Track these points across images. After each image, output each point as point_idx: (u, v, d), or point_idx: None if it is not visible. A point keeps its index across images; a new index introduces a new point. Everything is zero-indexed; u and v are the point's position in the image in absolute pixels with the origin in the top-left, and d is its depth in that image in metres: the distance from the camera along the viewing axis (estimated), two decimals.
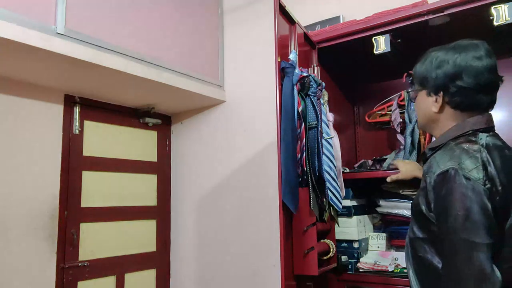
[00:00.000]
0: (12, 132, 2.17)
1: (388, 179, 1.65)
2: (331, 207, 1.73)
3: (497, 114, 1.99)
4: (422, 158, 1.24)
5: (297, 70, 1.61)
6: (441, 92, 1.15)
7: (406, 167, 1.60)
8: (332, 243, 1.76)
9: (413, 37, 1.90)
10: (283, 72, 1.59)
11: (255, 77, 2.65)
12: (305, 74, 1.66)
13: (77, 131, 2.46)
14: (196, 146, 2.91)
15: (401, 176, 1.60)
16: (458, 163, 1.03)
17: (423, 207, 1.10)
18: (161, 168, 2.97)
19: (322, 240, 1.74)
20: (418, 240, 1.13)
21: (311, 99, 1.69)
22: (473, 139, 1.09)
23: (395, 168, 1.66)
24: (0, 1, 1.67)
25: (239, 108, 2.72)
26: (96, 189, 2.55)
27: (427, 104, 1.19)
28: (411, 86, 1.19)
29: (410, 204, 1.79)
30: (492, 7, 1.58)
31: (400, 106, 2.14)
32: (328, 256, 1.73)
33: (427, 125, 1.24)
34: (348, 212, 1.93)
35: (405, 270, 1.76)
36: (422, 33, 1.86)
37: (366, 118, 2.31)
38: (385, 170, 1.91)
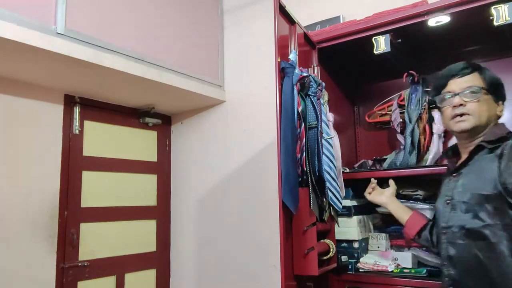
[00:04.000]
0: (12, 132, 2.17)
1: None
2: (331, 207, 1.73)
3: None
4: (476, 151, 1.32)
5: (297, 70, 1.61)
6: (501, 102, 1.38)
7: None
8: (332, 243, 1.75)
9: (413, 37, 1.90)
10: (283, 72, 1.59)
11: (255, 77, 2.65)
12: (305, 74, 1.66)
13: (77, 131, 2.46)
14: (196, 146, 2.91)
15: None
16: None
17: (502, 192, 1.18)
18: (161, 168, 2.97)
19: (322, 240, 1.74)
20: (489, 227, 1.20)
21: (311, 99, 1.69)
22: None
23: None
24: (0, 1, 1.67)
25: (239, 108, 2.72)
26: (96, 189, 2.55)
27: (494, 109, 1.35)
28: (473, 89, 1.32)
29: (409, 204, 1.80)
30: (492, 7, 1.58)
31: (400, 106, 2.14)
32: (328, 256, 1.73)
33: (483, 126, 1.33)
34: (348, 212, 1.93)
35: (405, 270, 1.76)
36: (422, 33, 1.86)
37: (366, 118, 2.31)
38: (385, 170, 1.91)
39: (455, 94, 1.35)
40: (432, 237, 1.54)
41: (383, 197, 1.72)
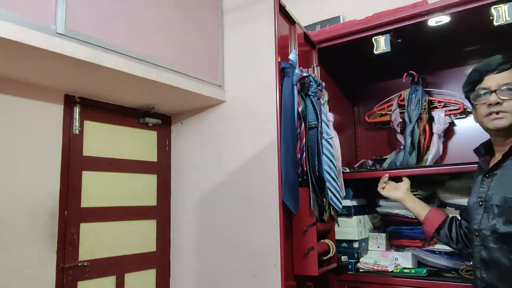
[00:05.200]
0: (12, 132, 2.17)
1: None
2: (331, 207, 1.73)
3: None
4: (511, 152, 1.28)
5: (297, 70, 1.61)
6: None
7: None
8: (332, 243, 1.75)
9: (413, 37, 1.90)
10: (283, 72, 1.59)
11: (255, 77, 2.65)
12: (305, 74, 1.66)
13: (77, 131, 2.46)
14: (196, 146, 2.91)
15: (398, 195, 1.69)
16: None
17: None
18: (161, 168, 2.97)
19: (322, 240, 1.74)
20: None
21: (311, 99, 1.69)
22: None
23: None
24: (0, 1, 1.67)
25: (239, 108, 2.72)
26: (96, 189, 2.55)
27: None
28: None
29: None
30: (492, 7, 1.58)
31: (400, 106, 2.14)
32: (328, 256, 1.73)
33: None
34: (348, 212, 1.93)
35: (405, 270, 1.76)
36: (422, 33, 1.86)
37: (366, 118, 2.31)
38: (385, 170, 1.91)
39: (491, 91, 1.27)
40: (451, 234, 1.51)
41: (399, 192, 1.67)
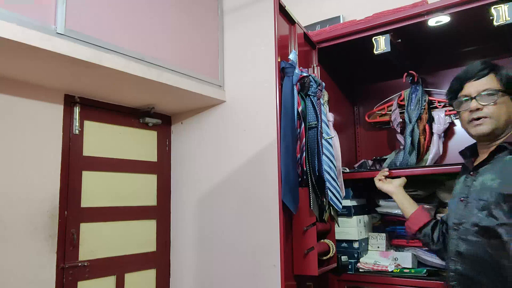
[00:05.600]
0: (12, 132, 2.17)
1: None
2: (331, 207, 1.73)
3: None
4: (497, 151, 1.31)
5: (297, 70, 1.61)
6: None
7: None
8: (332, 243, 1.76)
9: (413, 37, 1.90)
10: (283, 72, 1.59)
11: (255, 77, 2.65)
12: (305, 74, 1.66)
13: (77, 131, 2.46)
14: (196, 146, 2.91)
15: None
16: None
17: None
18: (161, 168, 2.97)
19: (322, 240, 1.74)
20: (504, 226, 1.19)
21: (311, 99, 1.69)
22: None
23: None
24: (0, 1, 1.67)
25: (239, 108, 2.72)
26: (96, 189, 2.55)
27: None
28: (492, 92, 1.31)
29: None
30: (492, 7, 1.58)
31: (400, 106, 2.14)
32: (328, 256, 1.73)
33: (502, 128, 1.31)
34: (348, 212, 1.93)
35: (405, 270, 1.76)
36: (422, 33, 1.86)
37: (366, 118, 2.31)
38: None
39: (472, 98, 1.33)
40: (433, 234, 1.54)
41: (391, 186, 1.71)
